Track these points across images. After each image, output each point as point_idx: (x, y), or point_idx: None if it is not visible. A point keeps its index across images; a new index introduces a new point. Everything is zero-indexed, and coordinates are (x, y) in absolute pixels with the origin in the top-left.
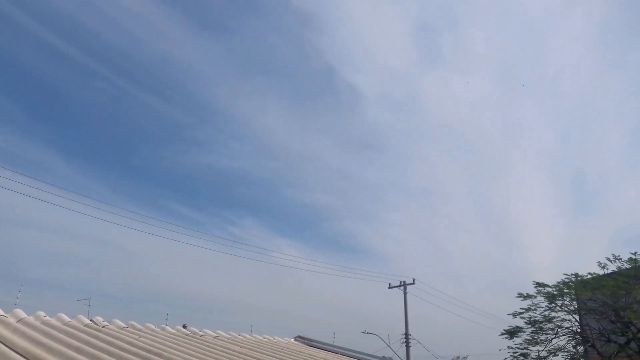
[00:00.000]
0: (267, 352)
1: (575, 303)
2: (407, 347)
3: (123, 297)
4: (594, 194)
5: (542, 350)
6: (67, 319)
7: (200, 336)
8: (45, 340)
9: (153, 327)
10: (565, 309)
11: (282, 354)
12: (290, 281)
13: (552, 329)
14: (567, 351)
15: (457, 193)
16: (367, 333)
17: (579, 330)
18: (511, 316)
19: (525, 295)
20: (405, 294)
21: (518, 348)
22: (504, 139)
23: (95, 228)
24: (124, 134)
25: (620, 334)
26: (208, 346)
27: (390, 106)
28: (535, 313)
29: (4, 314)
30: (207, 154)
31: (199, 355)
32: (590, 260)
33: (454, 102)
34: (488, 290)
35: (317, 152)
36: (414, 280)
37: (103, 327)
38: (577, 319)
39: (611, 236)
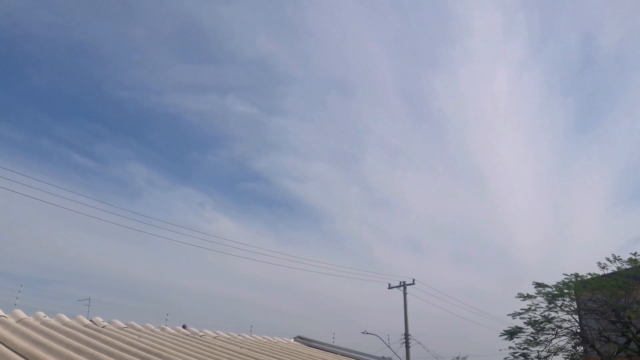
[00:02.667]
0: (267, 353)
1: (575, 303)
2: (407, 347)
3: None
4: None
5: (542, 351)
6: (66, 319)
7: (200, 336)
8: (45, 340)
9: (153, 327)
10: (565, 309)
11: (282, 354)
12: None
13: (552, 329)
14: (567, 351)
15: None
16: (367, 333)
17: (578, 330)
18: (511, 316)
19: (525, 295)
20: (405, 294)
21: (518, 348)
22: None
23: None
24: None
25: (620, 334)
26: (208, 346)
27: None
28: (535, 313)
29: (4, 314)
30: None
31: (198, 355)
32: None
33: None
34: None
35: None
36: (413, 280)
37: (103, 327)
38: (577, 319)
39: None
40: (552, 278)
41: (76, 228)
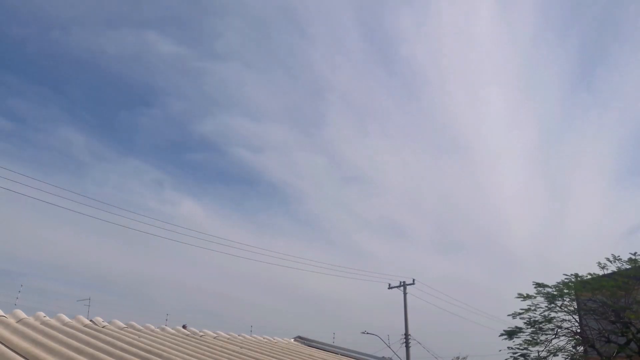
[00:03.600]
0: (267, 353)
1: (575, 303)
2: (407, 347)
3: None
4: None
5: (542, 351)
6: (66, 319)
7: (200, 336)
8: (45, 340)
9: (153, 327)
10: (565, 309)
11: (282, 354)
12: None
13: (552, 330)
14: (566, 351)
15: None
16: (367, 333)
17: (578, 330)
18: (511, 317)
19: (525, 295)
20: (405, 294)
21: (518, 348)
22: None
23: None
24: None
25: (620, 334)
26: (208, 346)
27: None
28: (535, 313)
29: (4, 315)
30: None
31: (198, 355)
32: None
33: None
34: None
35: None
36: (413, 280)
37: (103, 327)
38: (577, 319)
39: None
40: (548, 267)
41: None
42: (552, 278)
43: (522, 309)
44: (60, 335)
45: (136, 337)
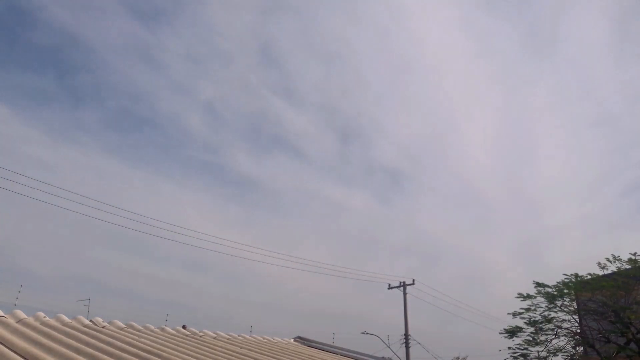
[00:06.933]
0: (267, 353)
1: (575, 303)
2: (407, 347)
3: None
4: None
5: (542, 351)
6: (66, 319)
7: (200, 337)
8: (44, 340)
9: (153, 327)
10: (565, 309)
11: (282, 354)
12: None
13: (552, 330)
14: (566, 351)
15: None
16: (367, 334)
17: (578, 330)
18: (511, 316)
19: (525, 295)
20: (405, 294)
21: (518, 348)
22: None
23: None
24: None
25: (619, 334)
26: (207, 347)
27: None
28: (535, 313)
29: (4, 315)
30: None
31: (198, 356)
32: None
33: None
34: None
35: None
36: (413, 280)
37: (102, 327)
38: (577, 319)
39: None
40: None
41: None
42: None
43: (522, 309)
44: (60, 336)
45: (136, 337)
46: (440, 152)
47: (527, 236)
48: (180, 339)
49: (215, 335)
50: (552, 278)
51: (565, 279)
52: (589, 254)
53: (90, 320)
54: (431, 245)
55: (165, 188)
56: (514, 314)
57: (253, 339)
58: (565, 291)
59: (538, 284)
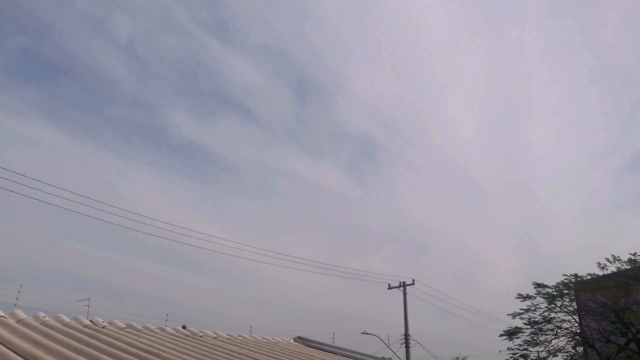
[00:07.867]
0: (267, 353)
1: (574, 304)
2: (407, 347)
3: None
4: None
5: (542, 351)
6: (66, 319)
7: (200, 337)
8: (44, 341)
9: (152, 327)
10: (565, 309)
11: (282, 354)
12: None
13: (552, 330)
14: (566, 352)
15: None
16: (367, 334)
17: (578, 331)
18: (510, 317)
19: (525, 296)
20: (404, 294)
21: (518, 349)
22: None
23: None
24: None
25: (619, 334)
26: (207, 347)
27: None
28: (534, 314)
29: (4, 315)
30: None
31: (198, 356)
32: None
33: None
34: None
35: None
36: (413, 281)
37: (102, 327)
38: (577, 319)
39: None
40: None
41: None
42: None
43: (522, 309)
44: (60, 336)
45: (136, 337)
46: (422, 124)
47: (523, 222)
48: (180, 339)
49: (215, 336)
50: (550, 269)
51: (565, 279)
52: (588, 241)
53: (90, 321)
54: (421, 235)
55: (99, 158)
56: (514, 315)
57: (253, 339)
58: (565, 291)
59: (538, 285)
